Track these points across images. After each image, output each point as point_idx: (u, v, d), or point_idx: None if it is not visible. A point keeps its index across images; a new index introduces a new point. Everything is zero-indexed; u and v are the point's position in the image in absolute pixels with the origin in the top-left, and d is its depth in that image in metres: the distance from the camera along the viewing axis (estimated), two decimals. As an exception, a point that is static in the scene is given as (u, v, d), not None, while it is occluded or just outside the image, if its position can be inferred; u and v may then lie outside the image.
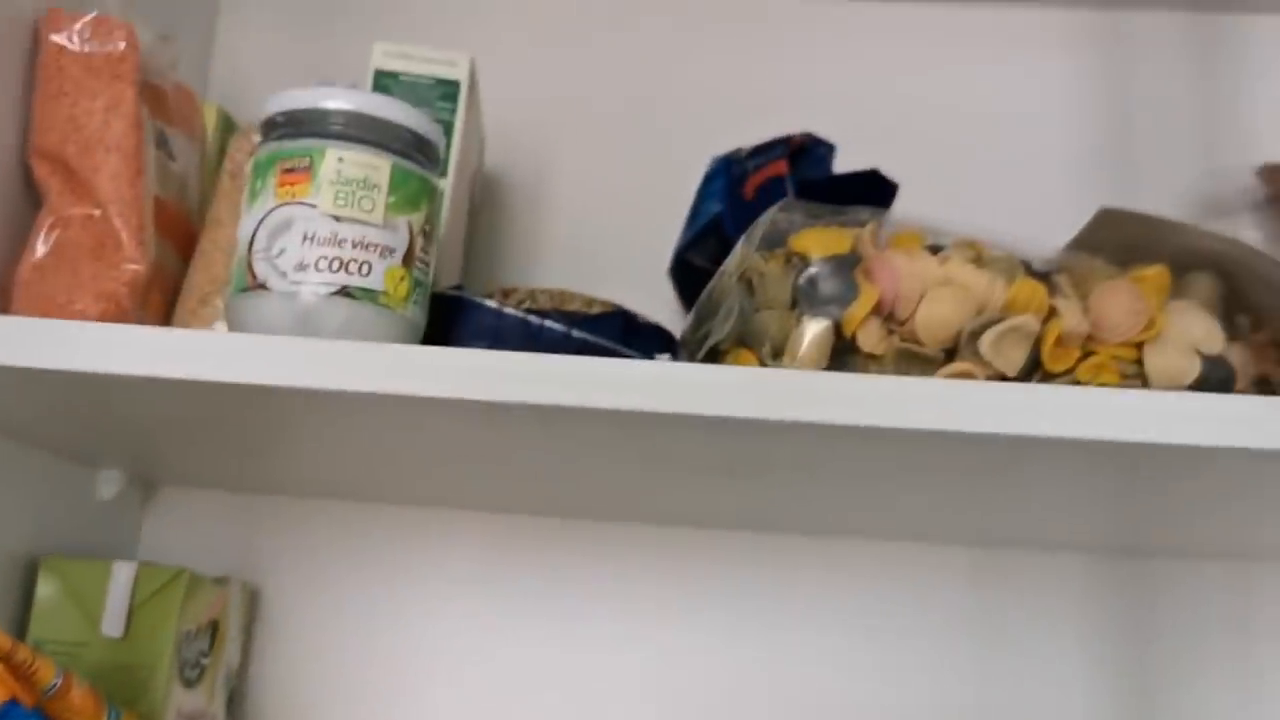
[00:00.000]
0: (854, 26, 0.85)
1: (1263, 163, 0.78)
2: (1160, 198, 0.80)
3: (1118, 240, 0.54)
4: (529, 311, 0.58)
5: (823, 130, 0.82)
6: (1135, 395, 0.43)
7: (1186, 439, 0.43)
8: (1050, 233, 0.79)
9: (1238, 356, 0.52)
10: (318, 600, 0.77)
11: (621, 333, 0.58)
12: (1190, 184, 0.80)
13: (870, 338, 0.49)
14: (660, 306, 0.79)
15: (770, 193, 0.64)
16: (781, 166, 0.64)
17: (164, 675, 0.63)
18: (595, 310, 0.62)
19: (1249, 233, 0.78)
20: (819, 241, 0.50)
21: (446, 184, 0.67)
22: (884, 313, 0.49)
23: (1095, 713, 0.72)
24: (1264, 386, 0.53)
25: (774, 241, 0.51)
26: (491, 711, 0.74)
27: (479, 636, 0.76)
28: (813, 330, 0.49)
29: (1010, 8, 0.84)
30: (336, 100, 0.51)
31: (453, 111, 0.68)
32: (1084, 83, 0.83)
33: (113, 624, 0.63)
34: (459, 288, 0.60)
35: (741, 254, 0.52)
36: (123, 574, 0.64)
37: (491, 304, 0.57)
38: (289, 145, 0.51)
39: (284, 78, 0.85)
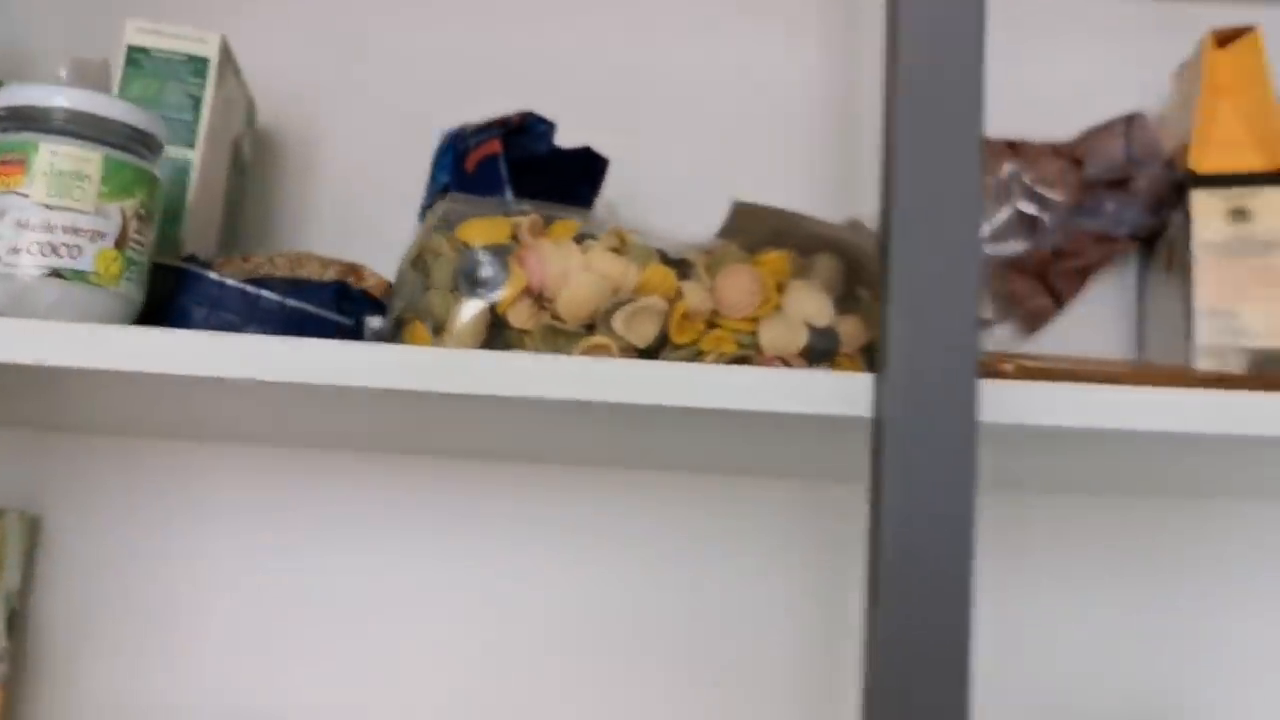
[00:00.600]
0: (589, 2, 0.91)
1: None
2: (876, 165, 0.89)
3: (756, 230, 0.63)
4: (248, 281, 0.65)
5: (558, 102, 0.89)
6: (685, 368, 0.52)
7: (728, 404, 0.53)
8: (774, 196, 0.88)
9: (848, 327, 0.62)
10: (96, 528, 0.84)
11: (335, 300, 0.66)
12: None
13: (520, 316, 0.57)
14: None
15: (487, 168, 0.71)
16: (496, 145, 0.71)
17: (-62, 599, 0.70)
18: (329, 275, 0.70)
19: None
20: (481, 231, 0.58)
21: (196, 153, 0.73)
22: (534, 295, 0.58)
23: (797, 622, 0.83)
24: (870, 351, 0.63)
25: (448, 226, 0.59)
26: (259, 630, 0.83)
27: (248, 561, 0.84)
28: (468, 311, 0.57)
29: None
30: (54, 98, 0.57)
31: (202, 86, 0.73)
32: (809, 51, 0.91)
33: (-114, 555, 0.70)
34: (192, 258, 0.67)
35: (419, 237, 0.60)
36: (-106, 510, 0.70)
37: (213, 275, 0.64)
38: (8, 139, 0.57)
39: (66, 42, 0.89)
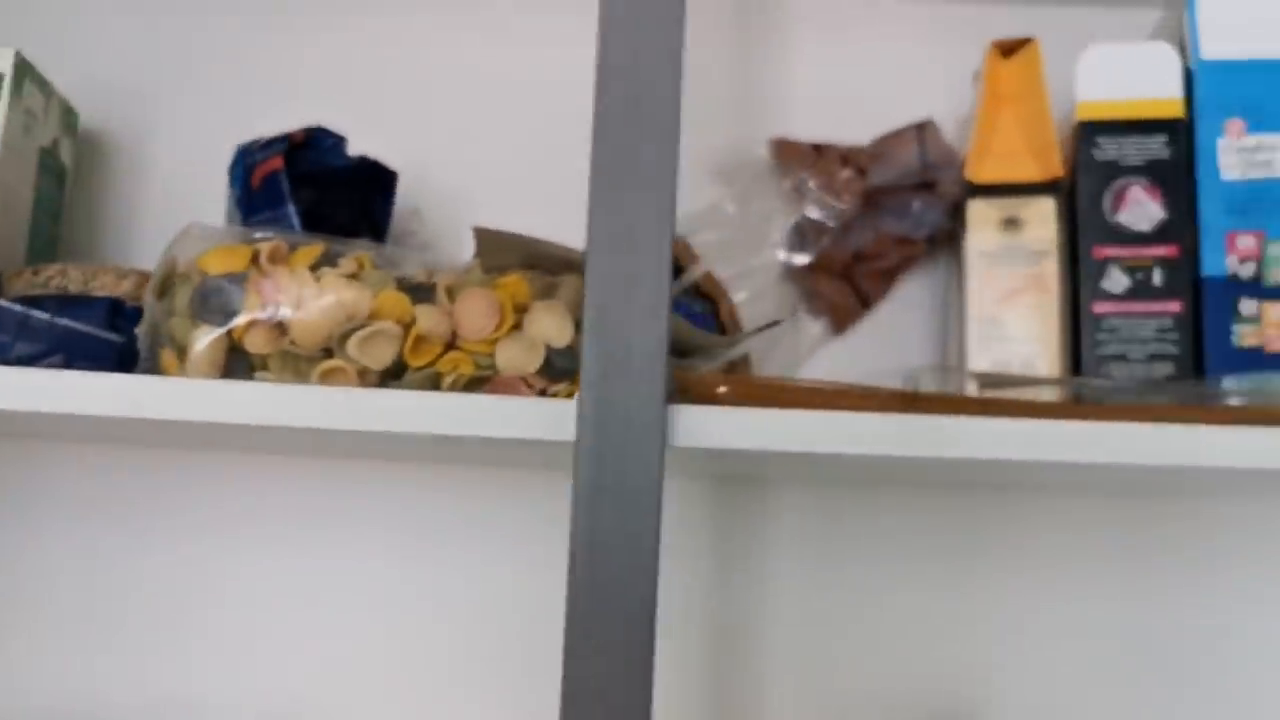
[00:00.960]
0: (410, 5, 0.93)
1: (774, 137, 0.90)
2: (688, 162, 0.92)
3: (504, 252, 0.66)
4: (22, 299, 0.67)
5: (381, 108, 0.91)
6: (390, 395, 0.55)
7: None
8: (578, 197, 0.90)
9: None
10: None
11: (108, 316, 0.68)
12: (713, 151, 0.91)
13: (257, 342, 0.60)
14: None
15: (270, 184, 0.74)
16: (278, 162, 0.73)
17: None
18: (124, 287, 0.72)
19: (762, 201, 0.89)
20: (220, 259, 0.61)
21: (-9, 169, 0.75)
22: (270, 322, 0.60)
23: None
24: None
25: (188, 252, 0.62)
26: (94, 616, 0.86)
27: (86, 555, 0.87)
28: (204, 338, 0.59)
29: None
30: None
31: (-4, 101, 0.75)
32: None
33: None
34: (-27, 275, 0.69)
35: (161, 263, 0.62)
36: None
37: (-16, 295, 0.66)
38: None
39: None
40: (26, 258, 0.80)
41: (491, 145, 0.91)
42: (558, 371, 0.64)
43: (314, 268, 0.62)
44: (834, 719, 0.85)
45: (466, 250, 0.86)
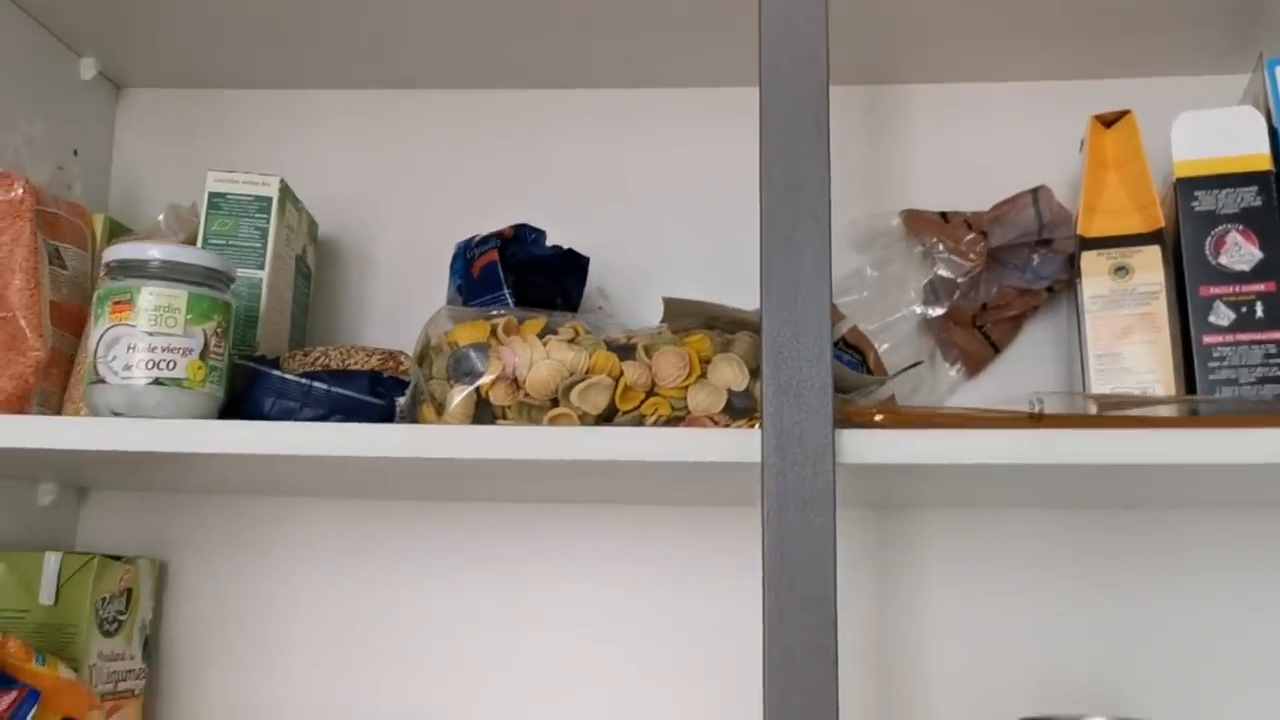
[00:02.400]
0: (584, 115, 1.09)
1: (904, 208, 1.03)
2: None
3: (688, 316, 0.80)
4: (303, 375, 0.84)
5: (568, 206, 1.07)
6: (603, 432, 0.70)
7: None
8: (750, 277, 1.04)
9: (759, 390, 0.78)
10: (211, 569, 1.04)
11: (370, 386, 0.84)
12: (852, 224, 1.05)
13: (500, 395, 0.75)
14: (452, 340, 1.05)
15: (488, 272, 0.90)
16: (493, 255, 0.89)
17: (86, 629, 0.91)
18: (372, 363, 0.89)
19: (897, 264, 1.02)
20: (467, 333, 0.77)
21: (265, 274, 0.93)
22: (508, 379, 0.76)
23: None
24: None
25: (443, 329, 0.78)
26: (340, 647, 1.02)
27: (329, 593, 1.03)
28: (458, 394, 0.75)
29: (704, 91, 1.09)
30: (149, 252, 0.77)
31: (267, 219, 0.93)
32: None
33: (47, 596, 0.91)
34: (262, 358, 0.87)
35: (421, 339, 0.78)
36: (51, 562, 0.91)
37: (275, 371, 0.83)
38: (118, 284, 0.77)
39: (166, 180, 1.11)
40: (289, 344, 0.98)
41: (658, 231, 1.06)
42: (738, 411, 0.77)
43: (540, 336, 0.77)
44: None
45: (646, 317, 1.01)
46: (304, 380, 0.83)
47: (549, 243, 0.95)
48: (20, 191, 0.88)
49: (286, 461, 0.78)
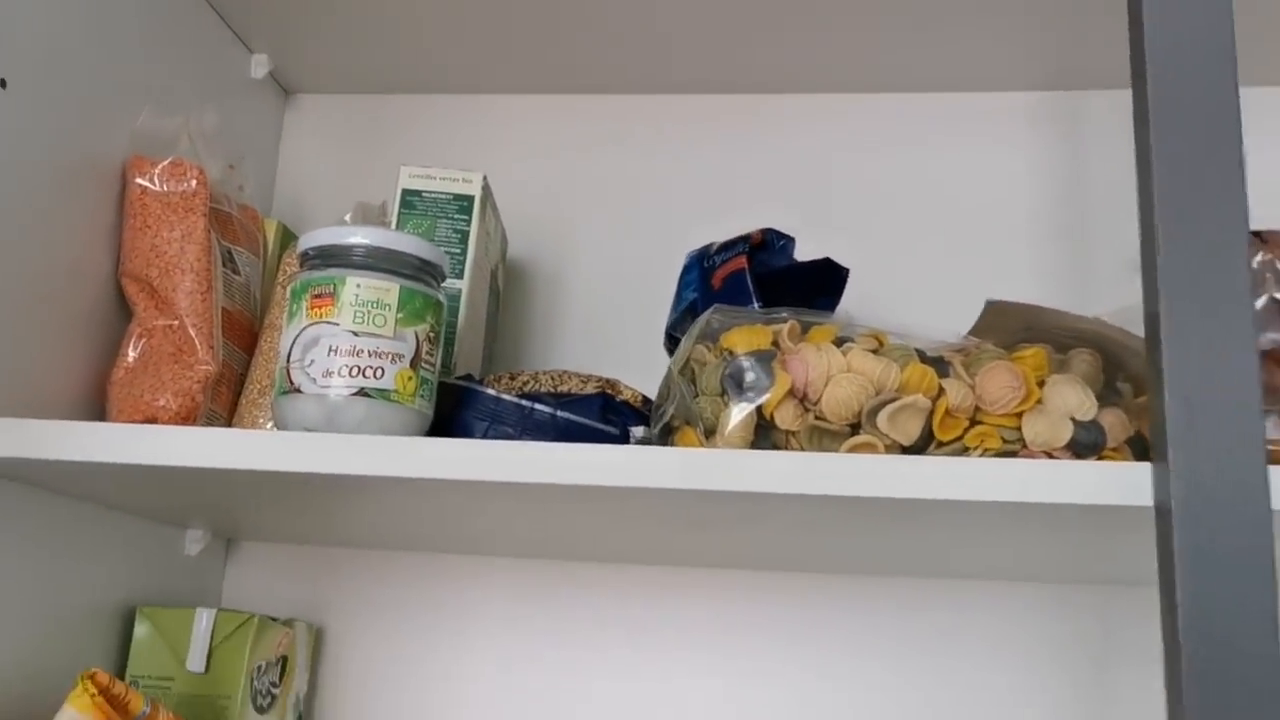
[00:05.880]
0: (818, 119, 0.95)
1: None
2: (1109, 263, 0.89)
3: (1008, 326, 0.64)
4: (522, 396, 0.69)
5: (796, 215, 0.93)
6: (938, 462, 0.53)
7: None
8: (1011, 296, 0.88)
9: (1111, 420, 0.62)
10: (372, 636, 0.89)
11: (600, 411, 0.69)
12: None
13: (786, 417, 0.60)
14: (661, 375, 0.90)
15: (734, 283, 0.75)
16: (741, 261, 0.74)
17: (239, 704, 0.76)
18: (589, 389, 0.74)
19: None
20: (744, 338, 0.61)
21: (464, 283, 0.79)
22: (798, 396, 0.60)
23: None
24: (1138, 443, 0.62)
25: (711, 337, 0.62)
26: (506, 711, 0.86)
27: (508, 669, 0.87)
28: (737, 414, 0.59)
29: (963, 95, 0.94)
30: (355, 237, 0.64)
31: (468, 221, 0.80)
32: (1037, 161, 0.92)
33: (196, 661, 0.76)
34: (469, 377, 0.72)
35: (684, 348, 0.63)
36: (203, 619, 0.77)
37: (490, 391, 0.69)
38: (318, 275, 0.63)
39: (334, 190, 0.98)
40: (481, 368, 0.84)
41: (900, 247, 0.91)
42: (1084, 446, 0.60)
43: (836, 344, 0.61)
44: None
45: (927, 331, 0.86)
46: (524, 402, 0.68)
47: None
48: (194, 183, 0.76)
49: (505, 498, 0.63)
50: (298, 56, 0.96)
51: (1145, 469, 0.54)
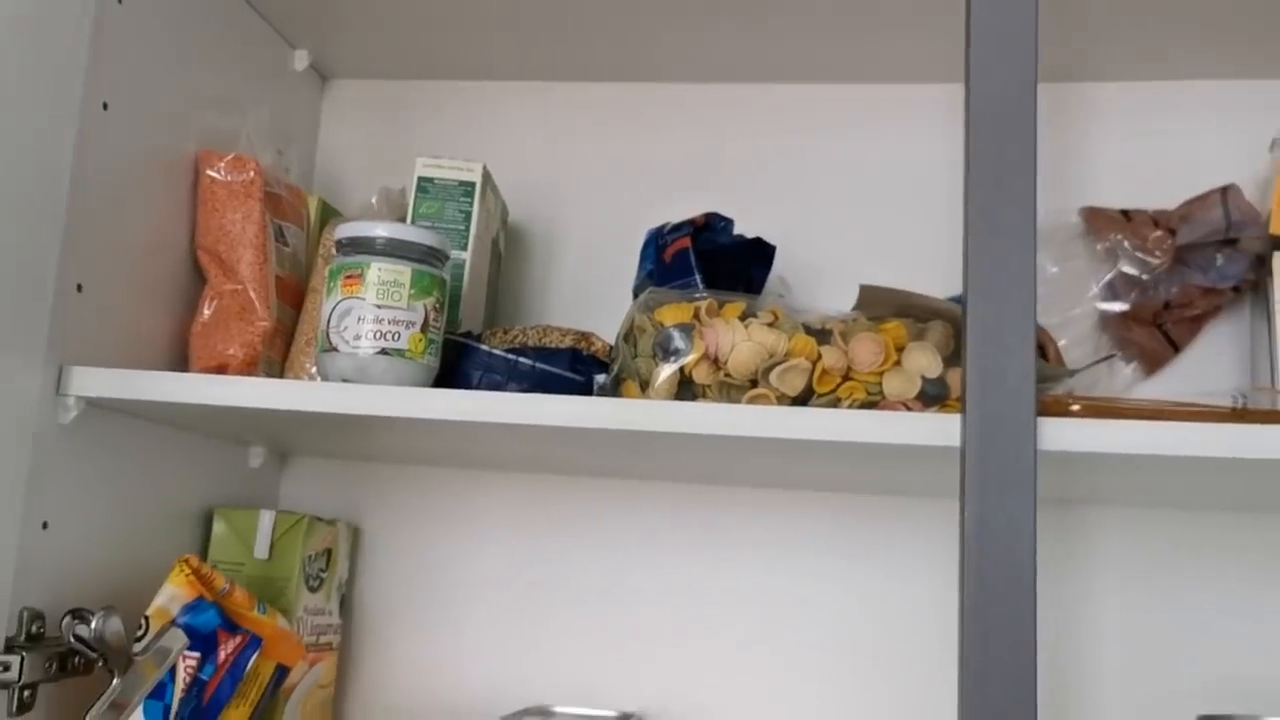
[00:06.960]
0: (772, 109, 1.12)
1: (1084, 206, 1.03)
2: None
3: (882, 304, 0.82)
4: (509, 350, 0.89)
5: (749, 196, 1.10)
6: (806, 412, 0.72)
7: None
8: (928, 270, 1.06)
9: (955, 378, 0.80)
10: (401, 534, 1.11)
11: (570, 363, 0.89)
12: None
13: (702, 375, 0.79)
14: (633, 324, 1.09)
15: (680, 259, 0.93)
16: (686, 242, 0.93)
17: (295, 584, 0.98)
18: (567, 342, 0.93)
19: (1077, 261, 1.03)
20: (672, 313, 0.80)
21: (468, 254, 0.98)
22: (711, 359, 0.79)
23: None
24: (976, 397, 0.81)
25: (648, 310, 0.81)
26: (520, 613, 1.07)
27: (511, 562, 1.08)
28: (664, 372, 0.79)
29: (885, 87, 1.11)
30: (377, 230, 0.83)
31: (470, 203, 0.99)
32: (947, 146, 1.09)
33: (261, 551, 0.98)
34: (469, 334, 0.92)
35: (628, 318, 0.82)
36: (266, 519, 0.98)
37: (484, 346, 0.88)
38: (349, 260, 0.83)
39: (367, 165, 1.17)
40: (483, 323, 1.03)
41: (836, 223, 1.09)
42: (930, 397, 0.79)
43: (741, 318, 0.80)
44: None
45: (822, 307, 1.04)
46: (510, 355, 0.88)
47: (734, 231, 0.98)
48: (252, 174, 0.95)
49: (493, 431, 0.82)
50: (333, 46, 1.14)
51: (956, 419, 0.72)
